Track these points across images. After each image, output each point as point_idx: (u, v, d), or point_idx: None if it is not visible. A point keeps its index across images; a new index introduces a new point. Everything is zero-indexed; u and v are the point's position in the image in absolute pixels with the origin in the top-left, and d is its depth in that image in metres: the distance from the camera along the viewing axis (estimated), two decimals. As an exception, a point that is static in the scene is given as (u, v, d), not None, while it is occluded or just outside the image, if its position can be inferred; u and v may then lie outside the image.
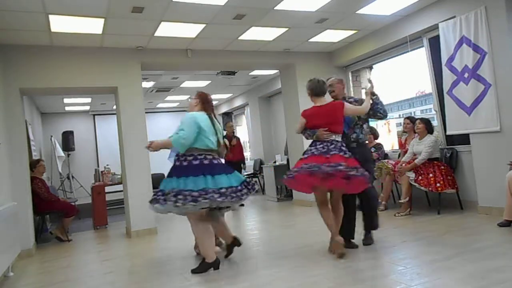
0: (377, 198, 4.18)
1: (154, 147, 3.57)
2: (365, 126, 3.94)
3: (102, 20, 4.67)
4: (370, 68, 7.14)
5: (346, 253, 3.51)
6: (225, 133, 7.70)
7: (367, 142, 4.19)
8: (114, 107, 6.36)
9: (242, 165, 8.32)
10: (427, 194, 5.48)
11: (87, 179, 9.16)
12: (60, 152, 9.99)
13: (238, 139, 8.31)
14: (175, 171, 3.49)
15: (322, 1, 4.74)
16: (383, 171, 5.49)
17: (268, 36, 5.87)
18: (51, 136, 9.90)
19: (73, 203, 6.41)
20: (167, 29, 5.17)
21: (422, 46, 5.63)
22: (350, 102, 3.88)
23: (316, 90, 3.76)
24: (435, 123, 5.69)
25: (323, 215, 3.65)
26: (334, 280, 2.97)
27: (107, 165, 7.53)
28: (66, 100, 9.43)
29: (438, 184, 4.92)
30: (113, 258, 4.61)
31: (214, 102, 14.25)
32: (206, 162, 3.46)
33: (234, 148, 7.83)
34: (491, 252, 3.27)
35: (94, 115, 11.49)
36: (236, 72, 7.92)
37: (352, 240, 3.84)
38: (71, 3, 4.15)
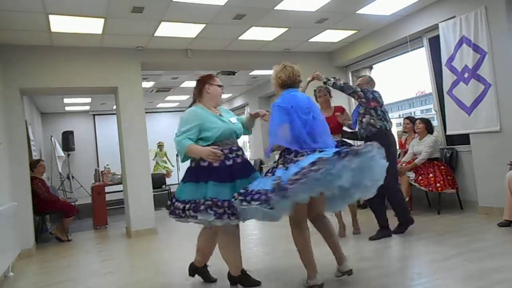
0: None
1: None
2: (364, 120, 4.18)
3: (102, 20, 4.67)
4: (370, 68, 7.14)
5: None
6: None
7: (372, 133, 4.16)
8: (114, 107, 6.36)
9: None
10: (427, 194, 5.48)
11: (87, 179, 9.16)
12: (60, 152, 9.99)
13: None
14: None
15: (322, 1, 4.74)
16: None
17: (268, 36, 5.87)
18: (51, 136, 9.90)
19: (73, 203, 6.41)
20: (167, 29, 5.16)
21: (422, 46, 5.63)
22: None
23: None
24: (435, 123, 5.69)
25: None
26: (334, 280, 2.96)
27: (107, 165, 7.54)
28: (66, 100, 9.43)
29: (438, 184, 4.92)
30: (113, 258, 4.61)
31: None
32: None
33: None
34: (491, 252, 3.27)
35: (94, 115, 11.48)
36: (236, 72, 7.92)
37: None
38: (71, 3, 4.14)
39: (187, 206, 2.80)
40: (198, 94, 3.09)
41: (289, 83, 2.92)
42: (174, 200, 2.95)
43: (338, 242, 2.91)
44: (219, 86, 3.13)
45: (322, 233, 2.94)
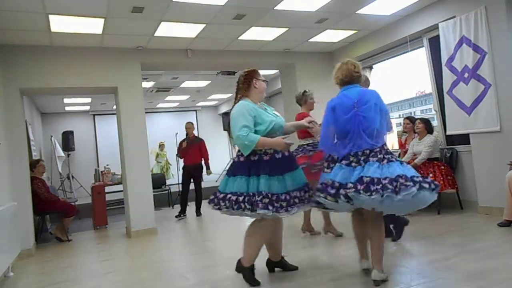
0: None
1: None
2: None
3: (102, 20, 4.67)
4: (370, 68, 7.14)
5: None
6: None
7: None
8: (114, 107, 6.36)
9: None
10: (427, 194, 5.47)
11: (87, 179, 9.16)
12: (60, 152, 9.99)
13: (198, 141, 7.23)
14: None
15: (322, 1, 4.74)
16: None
17: (268, 36, 5.87)
18: (51, 136, 9.90)
19: (73, 203, 6.41)
20: (167, 29, 5.16)
21: (422, 46, 5.63)
22: None
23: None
24: (435, 123, 5.68)
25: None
26: (334, 280, 2.97)
27: (107, 165, 7.54)
28: (66, 100, 9.44)
29: (438, 184, 4.92)
30: (113, 258, 4.61)
31: (214, 102, 14.07)
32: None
33: (188, 151, 7.04)
34: (491, 252, 3.27)
35: (94, 115, 11.50)
36: (236, 72, 7.92)
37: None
38: (71, 3, 4.14)
39: (241, 198, 2.82)
40: (246, 89, 3.10)
41: (347, 80, 2.96)
42: (222, 194, 2.95)
43: (378, 248, 2.80)
44: (264, 81, 3.19)
45: (368, 232, 2.93)
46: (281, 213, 2.81)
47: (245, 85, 3.09)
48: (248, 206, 2.77)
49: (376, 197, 2.52)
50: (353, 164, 2.72)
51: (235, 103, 3.09)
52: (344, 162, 2.76)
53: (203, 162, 7.10)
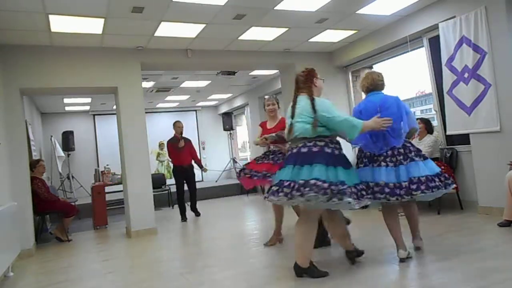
0: None
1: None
2: None
3: (102, 20, 4.67)
4: (370, 68, 7.14)
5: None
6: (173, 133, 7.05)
7: None
8: (114, 107, 6.36)
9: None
10: (427, 194, 5.47)
11: (87, 179, 9.16)
12: (60, 152, 9.99)
13: (188, 141, 7.15)
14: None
15: (322, 1, 4.74)
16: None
17: (268, 36, 5.87)
18: (51, 136, 9.90)
19: (73, 203, 6.41)
20: (167, 29, 5.16)
21: (422, 46, 5.63)
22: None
23: None
24: (435, 123, 5.69)
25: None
26: (335, 279, 2.96)
27: (107, 165, 7.54)
28: (66, 100, 9.43)
29: (438, 184, 4.91)
30: (113, 258, 4.61)
31: (214, 102, 13.99)
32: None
33: (182, 151, 6.89)
34: (491, 252, 3.27)
35: (94, 115, 11.49)
36: (236, 72, 7.92)
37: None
38: (71, 3, 4.14)
39: (325, 185, 2.76)
40: (309, 87, 3.18)
41: (372, 88, 3.35)
42: (289, 182, 2.88)
43: (418, 222, 3.54)
44: (321, 79, 3.30)
45: (406, 214, 3.51)
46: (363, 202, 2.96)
47: (307, 84, 3.19)
48: (337, 195, 2.74)
49: (438, 192, 3.01)
50: (391, 163, 3.10)
51: (296, 100, 3.17)
52: (383, 163, 3.12)
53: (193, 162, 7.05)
